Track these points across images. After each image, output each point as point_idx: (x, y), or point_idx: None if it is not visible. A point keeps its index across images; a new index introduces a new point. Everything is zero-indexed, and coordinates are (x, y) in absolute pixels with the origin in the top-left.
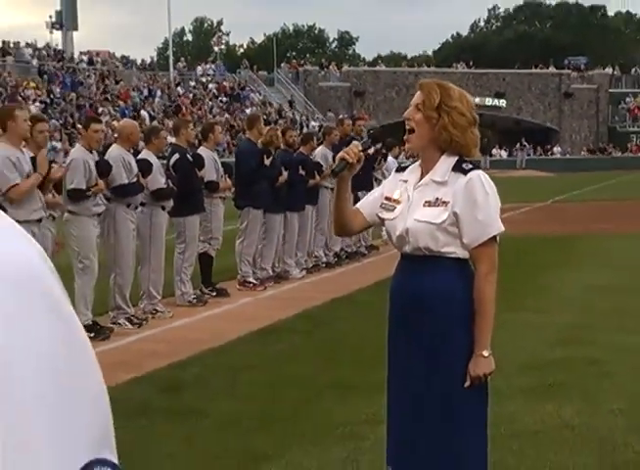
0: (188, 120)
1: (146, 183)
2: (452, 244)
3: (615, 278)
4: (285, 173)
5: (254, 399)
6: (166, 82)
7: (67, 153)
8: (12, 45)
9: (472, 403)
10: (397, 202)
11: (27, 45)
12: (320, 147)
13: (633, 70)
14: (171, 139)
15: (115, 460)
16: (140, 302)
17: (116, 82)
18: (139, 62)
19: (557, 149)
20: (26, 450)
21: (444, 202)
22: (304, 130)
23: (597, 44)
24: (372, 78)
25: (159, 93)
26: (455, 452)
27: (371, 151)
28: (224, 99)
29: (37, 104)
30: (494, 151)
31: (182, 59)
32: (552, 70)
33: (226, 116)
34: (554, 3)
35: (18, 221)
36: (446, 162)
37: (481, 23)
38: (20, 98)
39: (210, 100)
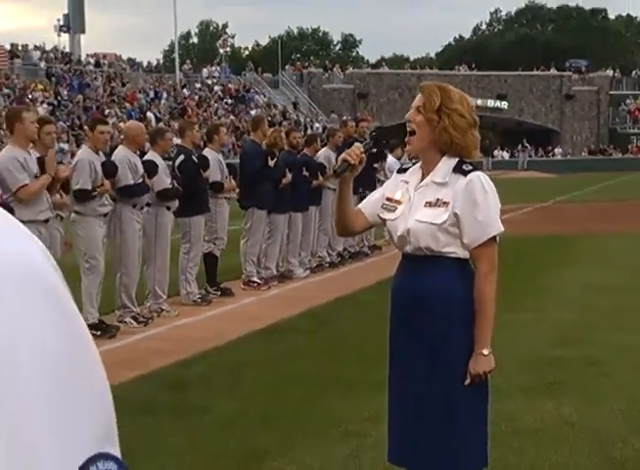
0: (193, 122)
1: (151, 184)
2: (453, 244)
3: (614, 278)
4: (289, 174)
5: (258, 396)
6: (172, 84)
7: (74, 154)
8: (20, 48)
9: (472, 401)
10: (399, 202)
11: (35, 48)
12: (324, 149)
13: (634, 72)
14: (177, 140)
15: (119, 455)
16: (146, 301)
17: (123, 84)
18: (145, 64)
19: (558, 150)
20: (30, 447)
21: (445, 202)
22: (308, 132)
23: (598, 47)
24: (375, 80)
25: (165, 95)
26: (455, 451)
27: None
28: (229, 101)
29: (45, 106)
30: (496, 152)
31: (188, 61)
32: (553, 72)
33: (231, 117)
34: (555, 6)
35: (24, 222)
36: (447, 163)
37: (484, 26)
38: (27, 100)
39: (216, 102)
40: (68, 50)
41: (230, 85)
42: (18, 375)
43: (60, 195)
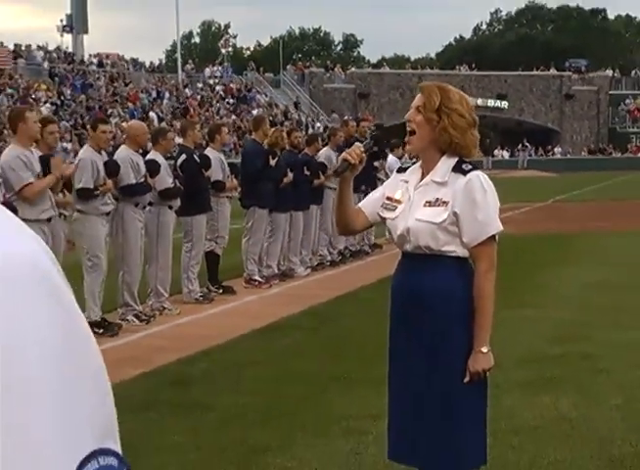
0: (195, 122)
1: (154, 183)
2: (452, 243)
3: (612, 276)
4: (290, 174)
5: (260, 393)
6: (175, 84)
7: (77, 154)
8: (24, 48)
9: (471, 400)
10: (399, 202)
11: (39, 48)
12: (325, 148)
13: (633, 72)
14: (179, 140)
15: (119, 450)
16: (148, 299)
17: (126, 84)
18: (148, 64)
19: (558, 149)
20: (29, 440)
21: (444, 202)
22: (310, 131)
23: (597, 47)
24: (376, 80)
25: (167, 95)
26: (455, 449)
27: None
28: (231, 100)
29: (48, 105)
30: (496, 151)
31: (190, 61)
32: (553, 72)
33: (233, 117)
34: (555, 6)
35: (28, 221)
36: (446, 163)
37: (484, 26)
38: (31, 100)
39: (218, 102)
40: (71, 50)
41: (232, 85)
42: (24, 373)
43: (63, 194)
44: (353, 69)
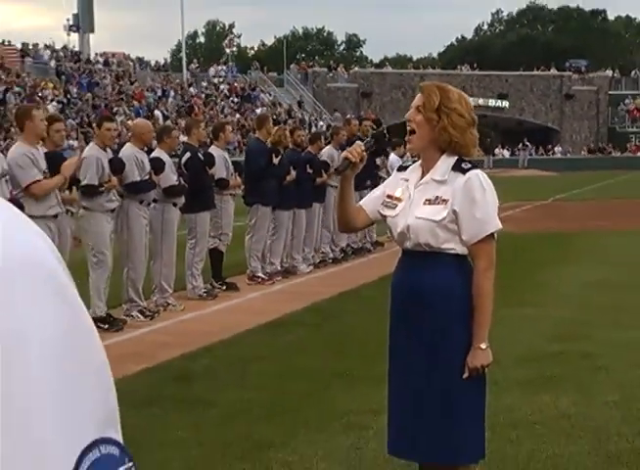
0: (199, 120)
1: (158, 181)
2: (452, 240)
3: (612, 274)
4: (293, 172)
5: (263, 389)
6: (180, 83)
7: (83, 151)
8: (31, 47)
9: (471, 396)
10: (399, 200)
11: (46, 47)
12: (327, 147)
13: (633, 72)
14: (183, 138)
15: (120, 439)
16: (152, 295)
17: (131, 83)
18: (153, 63)
19: (558, 149)
20: (31, 433)
21: (444, 200)
22: (313, 130)
23: (597, 47)
24: (379, 80)
25: (172, 93)
26: (454, 445)
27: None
28: (235, 99)
29: (55, 104)
30: (497, 151)
31: (195, 60)
32: (553, 72)
33: (237, 116)
34: (556, 7)
35: (34, 217)
36: (446, 161)
37: (485, 27)
38: (37, 98)
39: (222, 100)
40: (77, 49)
41: (236, 84)
42: (16, 358)
43: (69, 190)
44: (356, 68)
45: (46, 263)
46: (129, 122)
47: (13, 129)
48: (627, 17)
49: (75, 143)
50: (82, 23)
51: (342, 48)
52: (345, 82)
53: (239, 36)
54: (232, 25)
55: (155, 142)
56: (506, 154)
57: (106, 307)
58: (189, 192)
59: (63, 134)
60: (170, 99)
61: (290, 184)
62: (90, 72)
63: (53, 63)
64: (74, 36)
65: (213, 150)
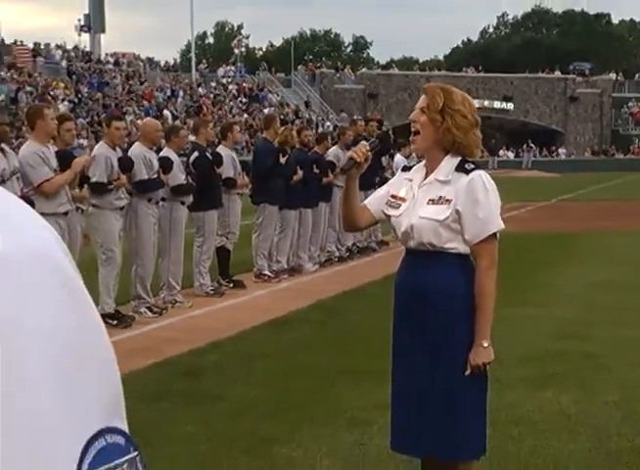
0: (207, 120)
1: (166, 179)
2: (454, 240)
3: (616, 275)
4: (300, 172)
5: (269, 386)
6: (189, 83)
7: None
8: (42, 47)
9: (472, 392)
10: (403, 200)
11: (57, 47)
12: (334, 147)
13: (636, 75)
14: (192, 138)
15: (126, 429)
16: (160, 292)
17: (141, 83)
18: (163, 63)
19: (562, 150)
20: (37, 421)
21: (447, 200)
22: (320, 130)
23: (601, 50)
24: (385, 81)
25: (181, 93)
26: (456, 442)
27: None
28: (244, 99)
29: (66, 103)
30: (501, 152)
31: (204, 61)
32: (558, 74)
33: (245, 116)
34: (561, 11)
35: (45, 214)
36: (450, 162)
37: (491, 30)
38: (49, 97)
39: (230, 100)
40: (88, 49)
41: (244, 84)
42: (21, 346)
43: (80, 188)
44: (363, 70)
45: (52, 256)
46: (139, 122)
47: (24, 128)
48: (631, 20)
49: (86, 142)
50: (93, 23)
51: (349, 50)
52: (352, 83)
53: (247, 37)
54: (240, 26)
55: (163, 141)
56: (510, 155)
57: (114, 304)
58: (197, 191)
59: (73, 133)
60: (179, 99)
61: (296, 184)
62: (101, 72)
63: (64, 63)
64: (85, 36)
65: (221, 149)
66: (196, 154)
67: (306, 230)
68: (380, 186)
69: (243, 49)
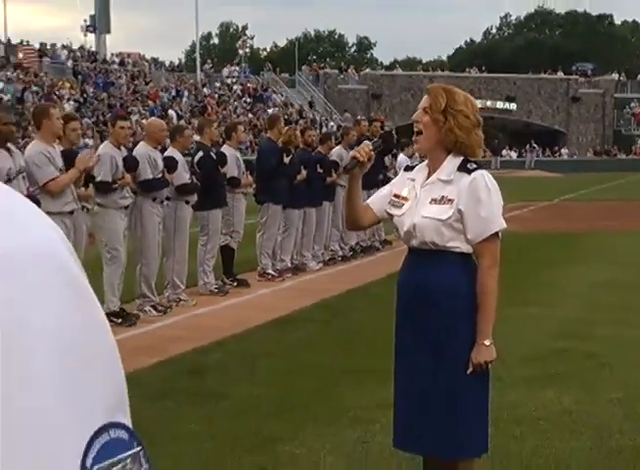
0: (212, 120)
1: (171, 179)
2: (457, 239)
3: (620, 274)
4: (303, 171)
5: (273, 385)
6: (193, 83)
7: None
8: (48, 47)
9: (474, 391)
10: (405, 199)
11: (63, 47)
12: (337, 147)
13: (639, 76)
14: (196, 137)
15: (130, 424)
16: (165, 290)
17: (146, 83)
18: (168, 63)
19: (564, 151)
20: (43, 415)
21: (450, 199)
22: (324, 130)
23: (604, 51)
24: (389, 82)
25: (186, 93)
26: (459, 440)
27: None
28: (248, 100)
29: (71, 103)
30: (504, 152)
31: (209, 61)
32: (560, 75)
33: (249, 116)
34: (563, 12)
35: (51, 213)
36: (452, 162)
37: (494, 30)
38: (55, 97)
39: (235, 100)
40: (94, 49)
41: (249, 85)
42: (26, 345)
43: (85, 187)
44: (367, 70)
45: (58, 255)
46: (144, 122)
47: (30, 128)
48: (634, 21)
49: (91, 141)
50: (99, 23)
51: (352, 50)
52: (356, 84)
53: (252, 38)
54: (245, 27)
55: (168, 141)
56: (513, 155)
57: (119, 302)
58: (201, 190)
59: (79, 133)
60: (184, 99)
61: (300, 183)
62: (106, 72)
63: (70, 63)
64: (91, 37)
65: (226, 149)
66: (200, 153)
67: (310, 229)
68: (383, 185)
69: (247, 49)
